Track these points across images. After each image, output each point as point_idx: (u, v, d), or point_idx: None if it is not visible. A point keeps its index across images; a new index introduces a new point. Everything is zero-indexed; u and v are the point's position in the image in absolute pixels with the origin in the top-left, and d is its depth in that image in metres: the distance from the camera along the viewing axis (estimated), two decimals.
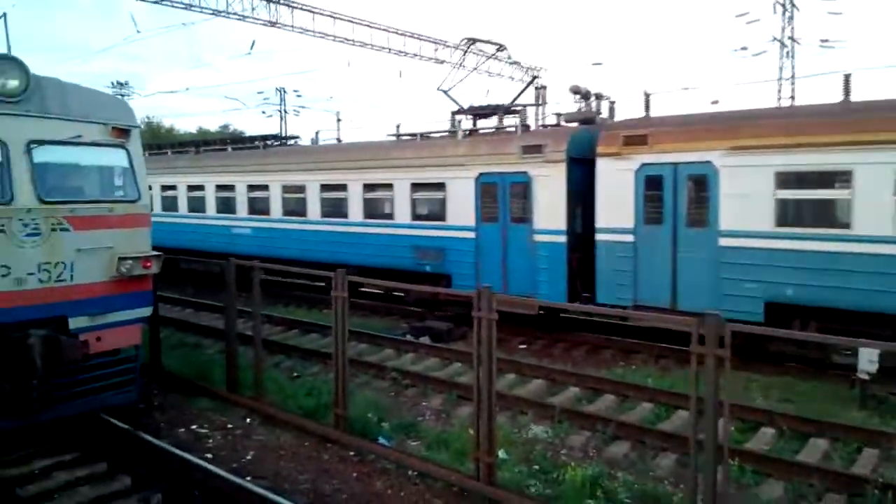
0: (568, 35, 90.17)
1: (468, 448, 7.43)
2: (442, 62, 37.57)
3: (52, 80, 7.36)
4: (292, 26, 30.05)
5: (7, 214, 6.69)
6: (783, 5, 37.82)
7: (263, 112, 57.36)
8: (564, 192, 12.71)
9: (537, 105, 30.07)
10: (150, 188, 13.33)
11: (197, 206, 20.86)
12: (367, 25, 32.75)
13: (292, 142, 21.09)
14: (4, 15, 8.16)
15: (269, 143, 20.70)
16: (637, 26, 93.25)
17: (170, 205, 21.79)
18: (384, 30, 33.63)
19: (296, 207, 17.72)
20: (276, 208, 18.26)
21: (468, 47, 20.58)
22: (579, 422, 8.60)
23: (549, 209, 12.91)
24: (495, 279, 13.33)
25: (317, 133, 23.55)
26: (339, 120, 58.27)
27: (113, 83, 50.43)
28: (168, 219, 21.20)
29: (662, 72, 73.82)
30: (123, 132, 7.80)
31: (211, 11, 27.19)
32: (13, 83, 6.90)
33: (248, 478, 6.66)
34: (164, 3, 25.76)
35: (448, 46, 37.02)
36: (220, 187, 20.01)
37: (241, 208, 19.27)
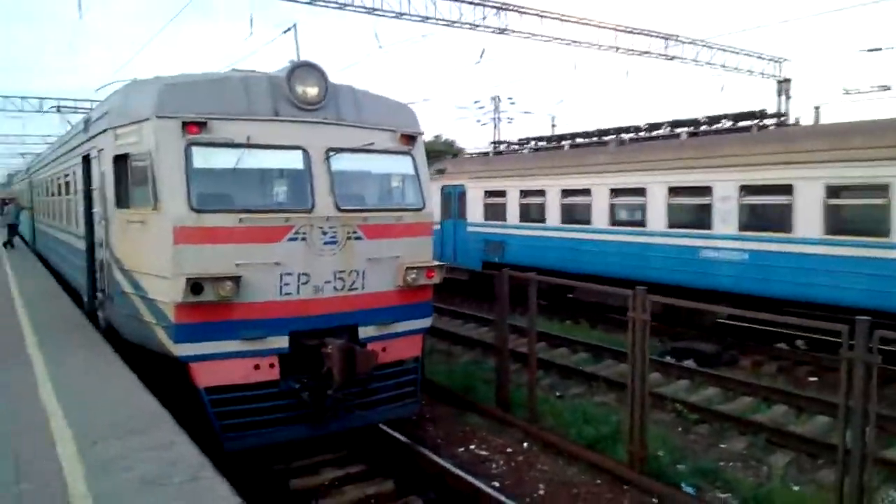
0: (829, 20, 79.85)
1: None
2: (672, 58, 35.33)
3: (346, 87, 7.30)
4: (521, 32, 29.86)
5: (309, 223, 6.65)
6: None
7: (478, 121, 58.31)
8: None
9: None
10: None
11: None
12: (596, 25, 31.61)
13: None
14: (294, 25, 8.32)
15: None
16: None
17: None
18: (612, 28, 32.24)
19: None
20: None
21: None
22: None
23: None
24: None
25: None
26: (553, 125, 57.67)
27: None
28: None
29: None
30: (410, 139, 7.56)
31: (445, 22, 27.86)
32: (313, 90, 6.88)
33: None
34: (404, 17, 26.90)
35: (680, 41, 34.66)
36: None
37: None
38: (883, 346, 4.85)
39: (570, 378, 10.83)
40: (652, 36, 33.41)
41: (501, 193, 18.28)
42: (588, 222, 15.61)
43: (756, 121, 13.93)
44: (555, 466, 7.27)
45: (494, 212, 18.62)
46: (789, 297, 11.78)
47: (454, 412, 8.84)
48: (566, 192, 16.28)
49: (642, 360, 6.80)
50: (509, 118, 54.89)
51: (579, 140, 18.01)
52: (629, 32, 32.76)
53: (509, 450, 7.67)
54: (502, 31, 29.72)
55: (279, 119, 6.70)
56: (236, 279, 6.18)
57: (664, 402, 9.41)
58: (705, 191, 13.02)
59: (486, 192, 18.83)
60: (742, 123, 14.15)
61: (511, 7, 29.38)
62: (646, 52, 34.15)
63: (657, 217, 14.07)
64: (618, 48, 32.76)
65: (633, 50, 33.52)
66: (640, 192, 14.42)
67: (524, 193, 17.61)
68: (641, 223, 14.41)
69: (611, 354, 12.32)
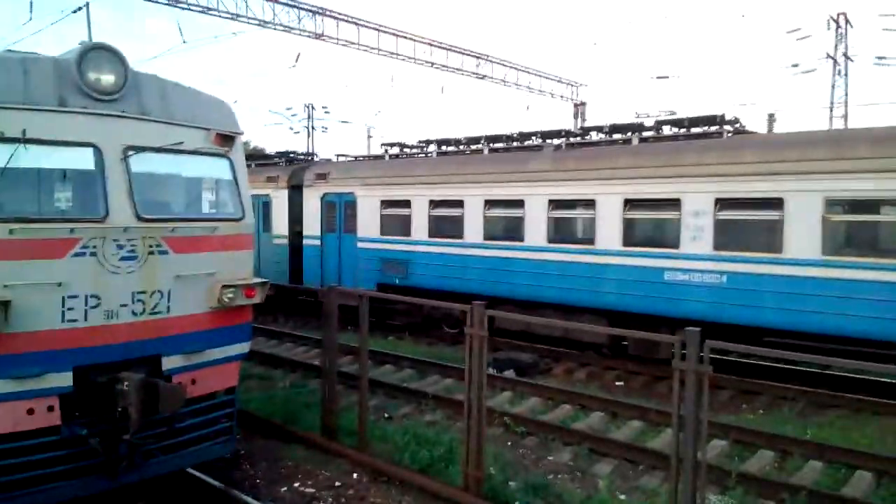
0: (622, 49, 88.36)
1: None
2: (483, 77, 36.85)
3: (150, 77, 6.28)
4: (337, 39, 29.26)
5: (101, 234, 5.56)
6: (836, 21, 36.53)
7: (291, 128, 56.54)
8: (286, 208, 18.54)
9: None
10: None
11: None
12: (412, 39, 31.94)
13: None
14: (87, 4, 7.09)
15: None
16: (696, 40, 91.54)
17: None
18: (427, 43, 32.82)
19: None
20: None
21: None
22: None
23: (279, 220, 18.78)
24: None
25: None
26: (369, 136, 57.65)
27: None
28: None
29: (723, 86, 71.82)
30: (227, 139, 6.69)
31: (258, 22, 26.45)
32: (109, 78, 5.80)
33: None
34: (211, 12, 25.07)
35: (490, 61, 36.25)
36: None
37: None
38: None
39: (397, 397, 10.43)
40: (465, 54, 34.64)
41: (405, 203, 15.71)
42: (521, 239, 13.61)
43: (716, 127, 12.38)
44: (387, 497, 6.78)
45: (395, 225, 16.05)
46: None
47: (275, 446, 8.02)
48: (492, 203, 14.15)
49: (479, 378, 6.56)
50: (324, 127, 53.98)
51: (502, 144, 15.64)
52: (444, 48, 33.65)
53: (338, 483, 7.05)
54: (318, 36, 28.99)
55: (65, 110, 5.53)
56: (3, 304, 4.97)
57: (492, 416, 9.34)
58: (675, 204, 11.46)
59: (384, 202, 16.19)
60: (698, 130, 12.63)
61: (328, 13, 28.78)
62: (459, 70, 35.30)
63: (610, 234, 12.33)
64: (433, 63, 33.46)
65: (447, 66, 34.44)
66: (589, 204, 12.66)
67: (435, 204, 15.14)
68: (590, 240, 12.67)
69: (436, 370, 12.16)
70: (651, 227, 12.29)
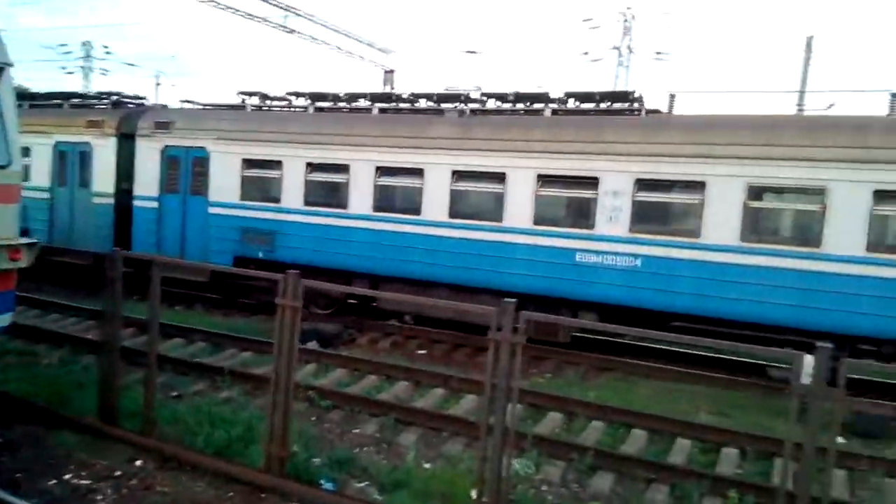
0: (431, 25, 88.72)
1: (438, 489, 6.29)
2: (292, 31, 35.16)
3: None
4: None
5: None
6: (624, 15, 40.11)
7: (64, 68, 49.76)
8: (113, 161, 15.59)
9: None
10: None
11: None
12: None
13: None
14: None
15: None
16: (502, 19, 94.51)
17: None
18: None
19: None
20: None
21: None
22: None
23: (102, 175, 15.76)
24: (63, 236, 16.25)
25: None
26: (158, 84, 52.65)
27: None
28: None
29: (527, 66, 75.13)
30: None
31: None
32: None
33: None
34: None
35: (299, 15, 34.63)
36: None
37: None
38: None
39: (188, 374, 9.58)
40: (270, 4, 32.72)
41: (274, 164, 13.74)
42: (417, 212, 12.44)
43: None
44: (177, 484, 6.15)
45: (260, 189, 14.13)
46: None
47: (40, 432, 6.92)
48: (384, 171, 12.80)
49: (290, 351, 6.16)
50: (103, 69, 48.28)
51: (402, 105, 13.98)
52: None
53: (118, 472, 6.24)
54: None
55: None
56: None
57: (297, 390, 8.92)
58: (592, 182, 11.07)
59: (247, 162, 14.03)
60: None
61: None
62: (265, 20, 33.31)
63: (520, 211, 11.63)
64: (236, 10, 31.21)
65: (251, 15, 32.33)
66: (498, 177, 11.75)
67: (313, 167, 13.40)
68: (498, 217, 11.85)
69: (233, 343, 11.42)
70: (564, 205, 11.79)
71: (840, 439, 8.58)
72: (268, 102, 15.46)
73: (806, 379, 9.10)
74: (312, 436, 7.63)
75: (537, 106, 12.57)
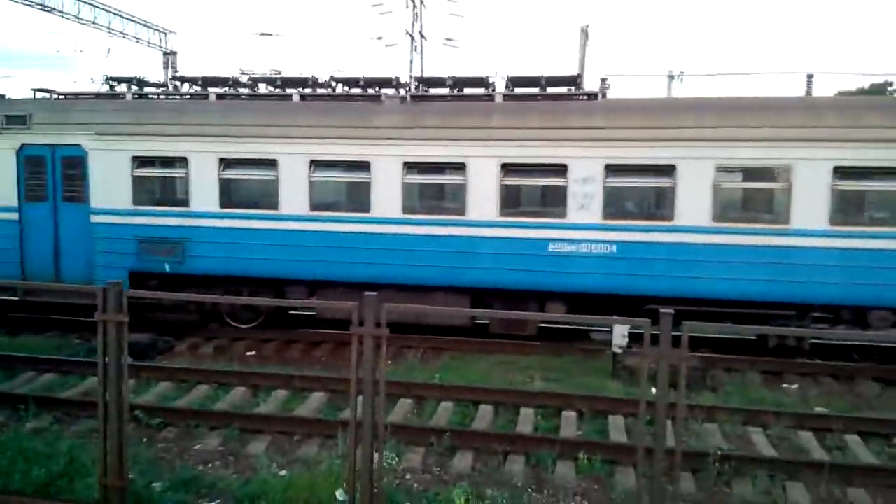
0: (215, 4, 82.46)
1: (299, 495, 6.02)
2: (51, 10, 31.18)
3: None
4: None
5: None
6: (413, 1, 40.79)
7: None
8: None
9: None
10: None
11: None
12: None
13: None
14: None
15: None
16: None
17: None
18: None
19: None
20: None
21: None
22: None
23: None
24: None
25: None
26: None
27: None
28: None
29: (322, 50, 72.98)
30: None
31: None
32: None
33: None
34: None
35: None
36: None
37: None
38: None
39: None
40: None
41: (177, 162, 11.95)
42: (366, 210, 11.33)
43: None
44: None
45: (158, 191, 12.35)
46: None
47: None
48: (320, 165, 11.42)
49: (118, 370, 5.47)
50: None
51: (320, 91, 12.54)
52: None
53: None
54: None
55: None
56: None
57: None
58: (560, 170, 10.73)
59: (138, 160, 12.03)
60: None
61: None
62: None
63: (484, 202, 10.96)
64: None
65: None
66: (459, 167, 11.03)
67: (227, 163, 11.71)
68: (460, 210, 11.11)
69: (28, 365, 9.95)
70: (533, 194, 11.46)
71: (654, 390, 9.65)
72: (146, 90, 13.35)
73: (620, 341, 10.13)
74: (147, 458, 6.91)
75: (478, 91, 12.09)
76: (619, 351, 9.97)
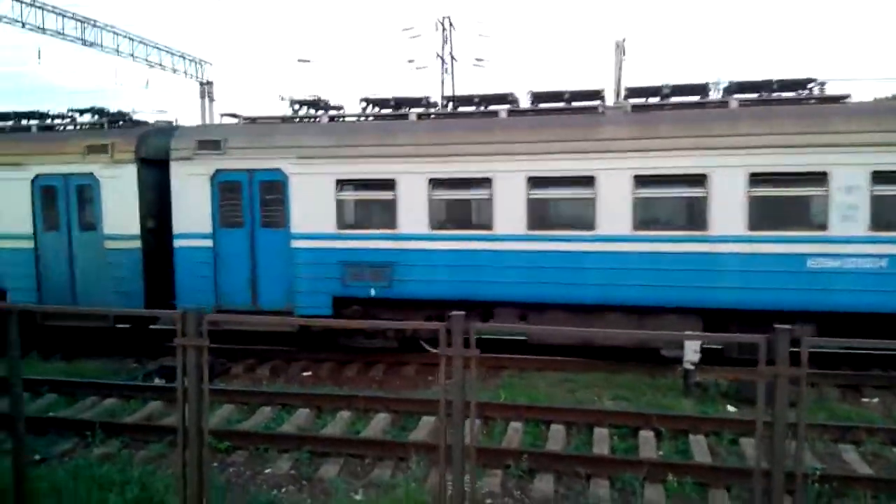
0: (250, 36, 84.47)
1: None
2: (91, 45, 31.99)
3: None
4: None
5: None
6: (443, 24, 41.10)
7: None
8: (134, 194, 12.53)
9: None
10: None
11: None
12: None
13: None
14: None
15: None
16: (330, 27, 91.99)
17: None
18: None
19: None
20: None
21: None
22: None
23: (117, 213, 12.60)
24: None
25: None
26: None
27: None
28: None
29: (356, 74, 73.93)
30: None
31: None
32: None
33: None
34: None
35: (98, 27, 31.64)
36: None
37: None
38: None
39: (46, 432, 8.13)
40: (66, 16, 29.60)
41: (383, 185, 11.38)
42: (590, 227, 10.66)
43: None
44: None
45: (364, 214, 11.83)
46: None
47: None
48: (537, 182, 10.82)
49: (198, 395, 5.34)
50: None
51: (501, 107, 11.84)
52: (37, 7, 28.29)
53: None
54: None
55: None
56: None
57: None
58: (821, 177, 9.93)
59: (343, 183, 11.58)
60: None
61: None
62: (60, 34, 30.19)
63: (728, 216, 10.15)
64: (24, 23, 28.00)
65: (43, 28, 29.16)
66: (699, 180, 10.24)
67: (438, 184, 11.21)
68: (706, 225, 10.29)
69: (89, 391, 9.95)
70: (788, 205, 10.27)
71: (730, 408, 9.28)
72: (331, 112, 12.87)
73: (692, 357, 9.77)
74: (219, 484, 6.75)
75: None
76: (690, 367, 9.60)
